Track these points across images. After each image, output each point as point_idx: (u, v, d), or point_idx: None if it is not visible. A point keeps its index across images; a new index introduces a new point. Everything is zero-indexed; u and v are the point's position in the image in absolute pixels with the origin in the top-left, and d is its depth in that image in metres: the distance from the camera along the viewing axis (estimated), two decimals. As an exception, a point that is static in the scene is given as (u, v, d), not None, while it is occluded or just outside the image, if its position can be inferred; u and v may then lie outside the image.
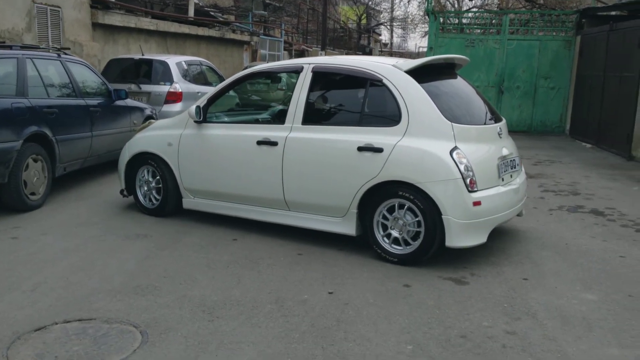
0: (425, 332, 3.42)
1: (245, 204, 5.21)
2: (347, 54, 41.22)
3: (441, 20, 14.49)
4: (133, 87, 10.45)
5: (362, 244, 4.75)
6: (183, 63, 11.25)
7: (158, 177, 5.68)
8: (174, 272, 4.30)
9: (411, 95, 4.48)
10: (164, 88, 10.55)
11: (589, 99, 12.28)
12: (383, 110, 4.66)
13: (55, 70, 6.67)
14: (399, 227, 4.47)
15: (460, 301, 3.86)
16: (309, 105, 4.85)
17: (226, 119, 5.58)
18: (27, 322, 3.42)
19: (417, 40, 64.97)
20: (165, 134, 5.59)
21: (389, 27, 60.16)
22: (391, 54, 68.39)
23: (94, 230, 5.30)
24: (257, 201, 5.12)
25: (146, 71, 10.83)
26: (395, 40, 71.99)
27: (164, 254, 4.69)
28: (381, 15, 57.47)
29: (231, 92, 5.66)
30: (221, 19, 21.72)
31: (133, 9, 14.61)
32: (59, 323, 3.43)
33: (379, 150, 4.45)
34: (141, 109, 8.51)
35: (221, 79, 12.95)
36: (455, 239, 4.28)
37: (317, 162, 4.73)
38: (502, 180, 4.68)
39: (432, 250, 4.38)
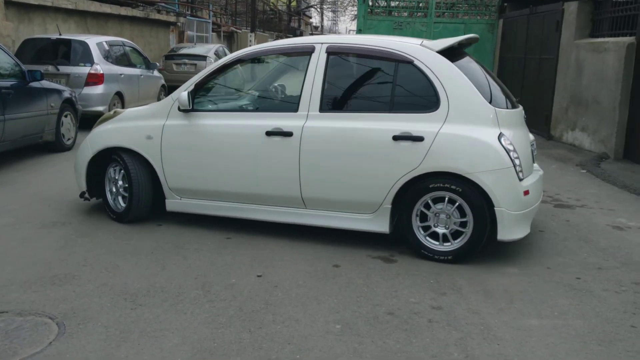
0: (354, 310, 3.42)
1: (249, 203, 4.58)
2: (277, 36, 40.87)
3: (370, 3, 14.55)
4: (50, 68, 9.96)
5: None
6: (104, 43, 10.80)
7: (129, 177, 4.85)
8: (95, 260, 4.11)
9: (449, 78, 4.11)
10: (84, 69, 10.10)
11: (510, 80, 12.68)
12: (416, 94, 4.25)
13: (-41, 49, 6.19)
14: (443, 222, 4.13)
15: (389, 279, 3.89)
16: (325, 90, 4.32)
17: (222, 107, 4.87)
18: None
19: (348, 24, 65.12)
20: (142, 125, 4.76)
21: (319, 9, 60.08)
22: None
23: (8, 218, 4.99)
24: (266, 199, 4.52)
25: (64, 52, 10.33)
26: (326, 23, 72.07)
27: (84, 242, 4.47)
28: (311, -2, 57.31)
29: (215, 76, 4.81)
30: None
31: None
32: (-35, 318, 3.20)
33: (419, 139, 4.04)
34: (59, 91, 8.08)
35: (146, 61, 12.55)
36: (508, 231, 4.03)
37: (343, 154, 4.21)
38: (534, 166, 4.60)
39: (481, 245, 4.12)
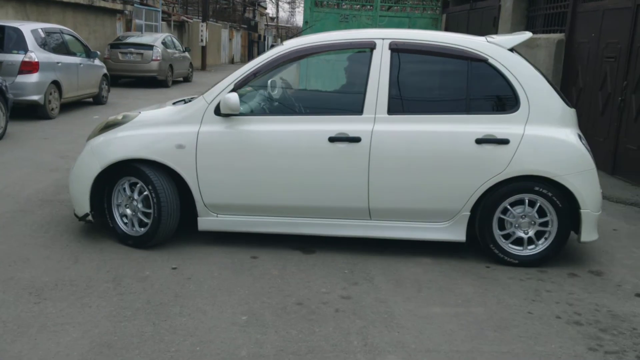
0: (264, 301, 3.44)
1: (304, 216, 4.15)
2: (231, 27, 40.45)
3: (315, -6, 14.55)
4: (-21, 55, 9.57)
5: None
6: (40, 31, 10.47)
7: (147, 193, 4.14)
8: (3, 253, 4.01)
9: (526, 77, 3.99)
10: (18, 57, 9.78)
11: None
12: (493, 95, 4.08)
13: None
14: (525, 226, 4.03)
15: (304, 270, 3.93)
16: (392, 91, 4.01)
17: (270, 110, 4.36)
18: None
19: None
20: (169, 132, 4.09)
21: (274, 0, 59.70)
22: (277, 28, 68.09)
23: None
24: (324, 212, 4.12)
25: (-4, 39, 9.94)
26: (282, 14, 71.75)
27: (-3, 236, 4.36)
28: (267, -12, 56.89)
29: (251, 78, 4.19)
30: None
31: (-17, -30, 13.30)
32: None
33: (504, 141, 3.88)
34: (-15, 80, 7.79)
35: (86, 49, 12.23)
36: (590, 232, 4.00)
37: (420, 160, 3.94)
38: None
39: (563, 247, 4.11)
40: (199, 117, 4.10)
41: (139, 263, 3.95)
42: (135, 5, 22.66)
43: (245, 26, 47.75)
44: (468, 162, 3.93)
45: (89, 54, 12.22)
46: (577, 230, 4.04)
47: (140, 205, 4.19)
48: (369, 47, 4.11)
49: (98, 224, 4.44)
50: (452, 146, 3.95)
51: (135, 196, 4.19)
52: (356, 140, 3.95)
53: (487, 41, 4.12)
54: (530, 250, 4.07)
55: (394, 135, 3.97)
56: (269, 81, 4.46)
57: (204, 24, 28.10)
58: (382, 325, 3.19)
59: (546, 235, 4.05)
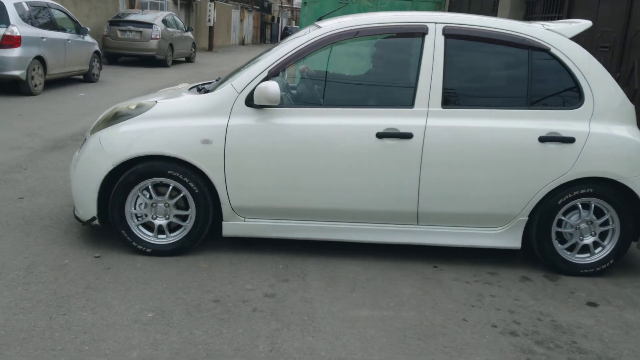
0: (179, 297, 3.20)
1: (345, 221, 3.75)
2: (242, 7, 40.03)
3: (315, -26, 14.16)
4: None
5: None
6: (24, 4, 10.23)
7: (175, 196, 3.71)
8: None
9: (591, 70, 3.68)
10: (-1, 31, 9.56)
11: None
12: (555, 88, 3.74)
13: None
14: (585, 232, 3.74)
15: (236, 263, 3.68)
16: (446, 82, 3.63)
17: (310, 101, 3.91)
18: None
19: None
20: (192, 124, 3.61)
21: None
22: (292, 10, 67.40)
23: None
24: (367, 216, 3.73)
25: (-24, 11, 9.73)
26: (297, -4, 70.92)
27: None
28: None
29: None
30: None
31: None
32: None
33: (570, 140, 3.57)
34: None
35: (76, 25, 11.99)
36: None
37: (477, 159, 3.59)
38: None
39: (623, 255, 3.83)
40: (228, 108, 3.61)
41: (62, 249, 3.72)
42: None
43: (258, 7, 47.28)
44: (530, 163, 3.59)
45: (79, 30, 11.99)
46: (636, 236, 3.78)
47: (173, 210, 3.72)
48: (420, 32, 3.68)
49: (38, 207, 4.21)
50: (513, 144, 3.58)
51: (165, 199, 3.68)
52: (407, 136, 3.56)
53: (546, 29, 3.76)
54: (593, 257, 3.78)
55: (449, 131, 3.59)
56: (303, 68, 4.07)
57: (212, 4, 27.74)
58: (297, 329, 2.94)
59: (605, 243, 3.77)
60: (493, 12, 10.10)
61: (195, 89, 4.14)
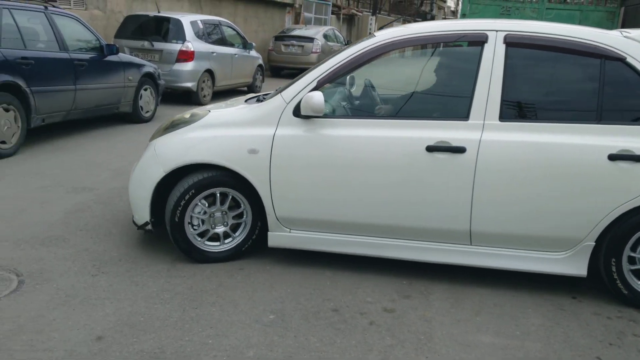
0: (300, 302, 3.30)
1: (392, 238, 3.63)
2: (404, 21, 40.19)
3: (476, -15, 13.82)
4: (146, 44, 10.58)
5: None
6: (199, 22, 11.24)
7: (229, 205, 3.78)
8: (94, 226, 4.33)
9: None
10: (176, 46, 10.61)
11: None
12: (629, 101, 3.44)
13: (38, 23, 6.77)
14: None
15: (361, 273, 3.70)
16: (506, 93, 3.42)
17: (358, 112, 3.96)
18: None
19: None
20: (240, 134, 3.64)
21: (453, -7, 57.99)
22: (456, 22, 66.04)
23: (46, 180, 5.40)
24: (416, 234, 3.58)
25: (160, 29, 10.91)
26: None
27: (98, 208, 4.72)
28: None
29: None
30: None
31: (164, -33, 14.63)
32: (-54, 266, 3.52)
33: None
34: (137, 65, 8.55)
35: (243, 41, 12.91)
36: None
37: (537, 177, 3.33)
38: None
39: None
40: (276, 118, 3.63)
41: (204, 248, 4.01)
42: (305, -2, 23.44)
43: (420, 19, 47.17)
44: (598, 182, 3.30)
45: (245, 45, 12.89)
46: None
47: (230, 217, 3.80)
48: (479, 40, 3.50)
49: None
50: (578, 162, 3.30)
51: (222, 207, 3.76)
52: (460, 150, 3.38)
53: (624, 36, 3.46)
54: None
55: (506, 146, 3.36)
56: (349, 78, 3.98)
57: (373, 18, 28.21)
58: (411, 347, 2.88)
59: None
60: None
61: (255, 100, 4.17)
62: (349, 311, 3.22)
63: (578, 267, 3.44)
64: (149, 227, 3.88)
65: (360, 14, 30.21)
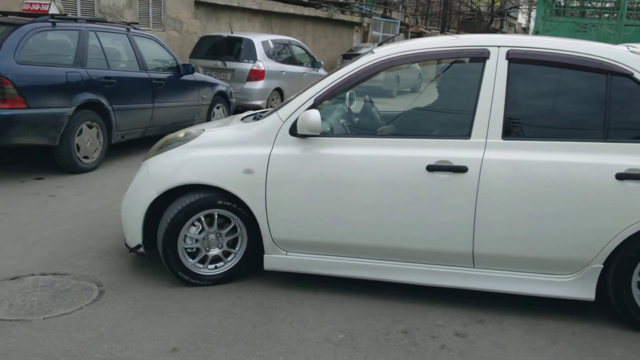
0: (369, 323, 3.28)
1: (393, 260, 3.52)
2: (412, 36, 39.68)
3: (551, 1, 13.47)
4: (219, 63, 10.92)
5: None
6: (269, 42, 11.52)
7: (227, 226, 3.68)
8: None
9: None
10: (247, 65, 10.89)
11: None
12: (635, 117, 3.33)
13: (120, 44, 7.13)
14: None
15: (433, 295, 3.63)
16: (509, 111, 3.32)
17: (357, 131, 3.91)
18: (8, 271, 3.75)
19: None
20: (235, 153, 3.56)
21: (524, 10, 56.80)
22: (527, 39, 64.53)
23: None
24: (417, 256, 3.47)
25: (232, 49, 11.25)
26: (533, 24, 67.96)
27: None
28: (520, -2, 54.41)
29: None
30: (341, 0, 21.83)
31: (237, -12, 15.12)
32: (35, 275, 3.72)
33: None
34: (211, 84, 8.83)
35: (312, 59, 13.11)
36: None
37: (542, 197, 3.22)
38: None
39: None
40: (272, 137, 3.52)
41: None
42: (373, 17, 23.60)
43: (490, 37, 46.33)
44: (605, 202, 3.18)
45: (314, 63, 13.08)
46: None
47: (225, 239, 3.69)
48: (480, 56, 3.41)
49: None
50: (584, 182, 3.19)
51: (216, 228, 3.65)
52: (462, 170, 3.27)
53: (630, 51, 3.35)
54: None
55: (509, 166, 3.25)
56: (349, 94, 3.92)
57: (442, 35, 28.01)
58: (485, 374, 2.81)
59: None
60: None
61: (252, 117, 4.07)
62: (420, 334, 3.18)
63: (586, 291, 3.31)
64: (142, 249, 3.75)
65: (429, 31, 30.08)
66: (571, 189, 3.21)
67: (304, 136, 3.46)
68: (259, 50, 11.05)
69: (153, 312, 3.30)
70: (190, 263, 3.66)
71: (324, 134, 3.50)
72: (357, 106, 4.11)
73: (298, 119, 3.42)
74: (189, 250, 3.66)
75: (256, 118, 3.95)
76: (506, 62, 3.36)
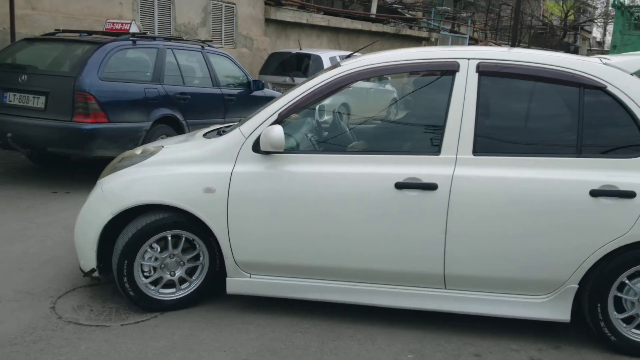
0: (440, 344, 3.22)
1: (362, 282, 3.37)
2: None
3: (629, 15, 12.98)
4: (287, 79, 11.10)
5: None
6: (337, 58, 11.59)
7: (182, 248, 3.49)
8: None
9: None
10: (315, 81, 11.00)
11: None
12: (611, 132, 3.22)
13: (195, 61, 7.39)
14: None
15: (504, 320, 3.53)
16: (479, 126, 3.21)
17: (323, 147, 3.72)
18: (89, 278, 3.90)
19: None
20: (195, 171, 3.39)
21: (599, 23, 54.84)
22: (603, 53, 62.44)
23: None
24: (386, 277, 3.34)
25: (301, 65, 11.42)
26: (608, 38, 65.48)
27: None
28: (596, 11, 52.63)
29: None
30: (408, 16, 21.83)
31: (305, 5, 15.37)
32: (113, 282, 3.87)
33: (629, 194, 3.03)
34: (280, 100, 8.98)
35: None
36: None
37: (515, 215, 3.11)
38: None
39: None
40: (234, 154, 3.36)
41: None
42: (441, 32, 23.41)
43: (563, 52, 45.00)
44: (580, 220, 3.07)
45: (380, 78, 13.07)
46: None
47: (186, 261, 3.50)
48: (450, 69, 3.28)
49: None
50: (558, 199, 3.08)
51: (175, 251, 3.46)
52: (431, 187, 3.15)
53: (603, 63, 3.23)
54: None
55: (480, 183, 3.14)
56: (317, 109, 3.81)
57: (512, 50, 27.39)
58: (562, 403, 2.69)
59: None
60: None
61: (215, 133, 3.87)
62: (492, 358, 3.09)
63: (560, 312, 3.21)
64: (96, 274, 3.53)
65: (499, 46, 29.50)
66: (544, 207, 3.10)
67: (268, 153, 3.32)
68: (327, 66, 11.16)
69: (223, 323, 3.36)
70: (145, 286, 3.45)
71: (289, 150, 3.37)
72: (327, 120, 4.01)
73: (261, 135, 3.28)
74: (145, 274, 3.46)
75: (219, 133, 3.78)
76: (476, 75, 3.25)
